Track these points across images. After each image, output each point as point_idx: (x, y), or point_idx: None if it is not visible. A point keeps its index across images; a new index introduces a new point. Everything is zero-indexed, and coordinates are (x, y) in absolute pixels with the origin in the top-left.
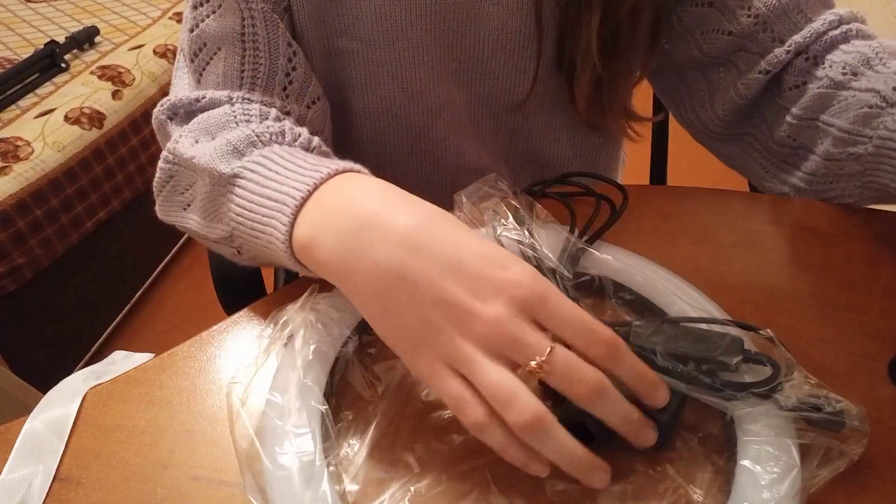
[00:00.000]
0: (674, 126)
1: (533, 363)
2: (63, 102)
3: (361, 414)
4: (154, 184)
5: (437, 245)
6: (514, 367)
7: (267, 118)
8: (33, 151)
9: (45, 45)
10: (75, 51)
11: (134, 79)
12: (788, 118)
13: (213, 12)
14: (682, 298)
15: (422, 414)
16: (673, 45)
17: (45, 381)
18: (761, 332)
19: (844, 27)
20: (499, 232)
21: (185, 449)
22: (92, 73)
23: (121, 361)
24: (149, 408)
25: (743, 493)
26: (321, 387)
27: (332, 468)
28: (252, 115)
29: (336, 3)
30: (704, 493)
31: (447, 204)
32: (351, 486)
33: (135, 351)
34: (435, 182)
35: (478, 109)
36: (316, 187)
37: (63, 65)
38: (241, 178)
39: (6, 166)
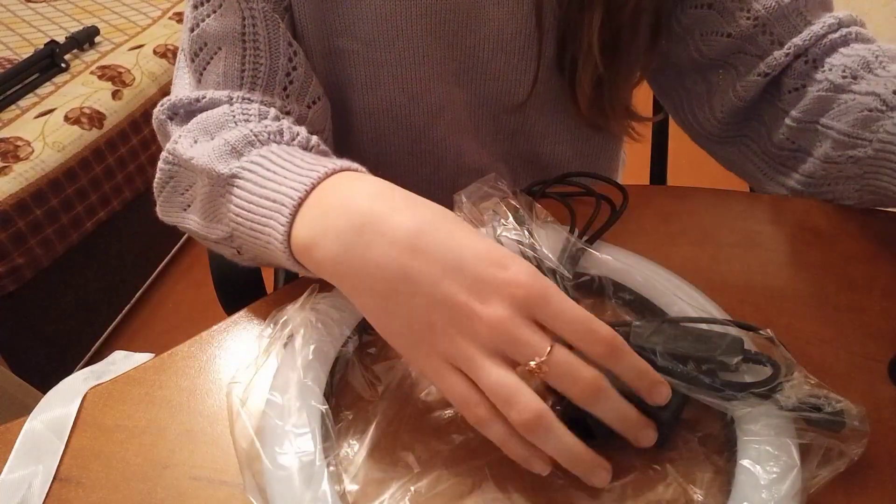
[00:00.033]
0: (674, 126)
1: (532, 363)
2: (63, 102)
3: (361, 414)
4: (154, 184)
5: (438, 246)
6: (514, 365)
7: (266, 117)
8: (33, 151)
9: (45, 45)
10: (75, 51)
11: (134, 79)
12: (787, 121)
13: (214, 12)
14: (682, 298)
15: (422, 414)
16: (672, 46)
17: (45, 381)
18: (761, 332)
19: (844, 30)
20: (499, 232)
21: (185, 449)
22: (92, 73)
23: (121, 361)
24: (149, 408)
25: (743, 493)
26: (321, 387)
27: (332, 468)
28: (251, 115)
29: (336, 3)
30: (704, 493)
31: (447, 204)
32: (351, 486)
33: (135, 351)
34: (435, 182)
35: (478, 110)
36: (314, 187)
37: (63, 65)
38: (240, 178)
39: (6, 166)
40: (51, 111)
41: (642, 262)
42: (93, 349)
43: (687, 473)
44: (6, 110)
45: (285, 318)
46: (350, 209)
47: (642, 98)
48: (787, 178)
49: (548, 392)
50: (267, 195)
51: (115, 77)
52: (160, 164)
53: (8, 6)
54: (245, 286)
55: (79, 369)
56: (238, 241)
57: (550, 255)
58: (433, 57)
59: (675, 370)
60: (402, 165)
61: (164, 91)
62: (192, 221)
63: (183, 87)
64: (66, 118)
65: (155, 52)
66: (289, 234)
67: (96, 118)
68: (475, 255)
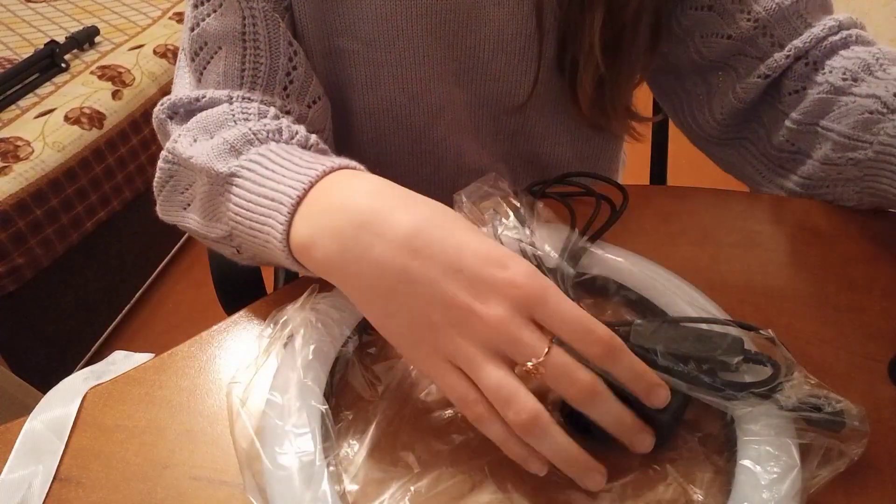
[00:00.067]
0: (674, 126)
1: (529, 364)
2: (63, 102)
3: (361, 414)
4: (154, 183)
5: (437, 245)
6: (513, 364)
7: (265, 116)
8: (33, 151)
9: (45, 45)
10: (75, 51)
11: (134, 79)
12: (787, 123)
13: (214, 11)
14: (682, 298)
15: (422, 414)
16: (672, 48)
17: (45, 381)
18: (761, 332)
19: (844, 33)
20: (499, 231)
21: (185, 449)
22: (92, 73)
23: (121, 361)
24: (149, 408)
25: (743, 493)
26: (321, 387)
27: (332, 468)
28: (250, 114)
29: (337, 3)
30: (704, 493)
31: (447, 204)
32: (351, 486)
33: (135, 351)
34: (435, 182)
35: (478, 110)
36: (312, 185)
37: (63, 65)
38: (238, 176)
39: (6, 166)
40: (51, 111)
41: (642, 262)
42: (93, 349)
43: (687, 473)
44: (6, 110)
45: (285, 318)
46: (349, 208)
47: (643, 99)
48: (786, 179)
49: (550, 391)
50: (265, 194)
51: (115, 77)
52: (160, 164)
53: (8, 6)
54: (245, 286)
55: (79, 369)
56: (237, 239)
57: (552, 253)
58: (433, 57)
59: (676, 370)
60: (402, 165)
61: (164, 91)
62: (191, 220)
63: (183, 87)
64: (66, 118)
65: (155, 52)
66: (287, 233)
67: (96, 118)
68: (475, 254)
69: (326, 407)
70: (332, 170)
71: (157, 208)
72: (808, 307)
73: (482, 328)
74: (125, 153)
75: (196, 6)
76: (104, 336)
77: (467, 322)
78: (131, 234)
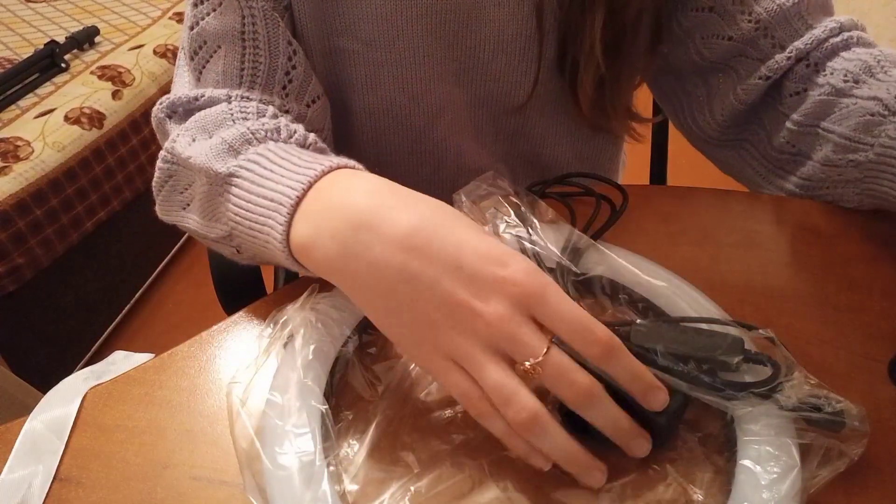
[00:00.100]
0: (674, 126)
1: (527, 364)
2: (63, 102)
3: (361, 414)
4: (153, 183)
5: (437, 244)
6: (513, 362)
7: (264, 115)
8: (33, 151)
9: (45, 45)
10: (75, 51)
11: (134, 79)
12: (788, 124)
13: (214, 10)
14: (682, 298)
15: (422, 414)
16: (672, 49)
17: (45, 381)
18: (761, 331)
19: (845, 34)
20: (500, 230)
21: (185, 449)
22: (92, 73)
23: (121, 361)
24: (149, 408)
25: (743, 492)
26: (321, 387)
27: (332, 468)
28: (249, 113)
29: (337, 3)
30: (704, 493)
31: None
32: (351, 486)
33: (135, 351)
34: (435, 182)
35: (478, 111)
36: (311, 185)
37: (63, 65)
38: (237, 176)
39: (6, 166)
40: (51, 111)
41: (642, 261)
42: (93, 349)
43: (687, 473)
44: (6, 110)
45: (285, 318)
46: (348, 208)
47: (643, 99)
48: (786, 181)
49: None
50: (264, 194)
51: (115, 77)
52: (159, 164)
53: (8, 6)
54: (245, 286)
55: (79, 369)
56: (237, 240)
57: (554, 250)
58: (433, 57)
59: (676, 370)
60: (402, 165)
61: (164, 91)
62: (191, 220)
63: (182, 86)
64: (66, 118)
65: (155, 52)
66: (287, 233)
67: (96, 118)
68: (475, 252)
69: (326, 407)
70: (331, 169)
71: (157, 208)
72: (808, 307)
73: (482, 326)
74: (125, 153)
75: (195, 5)
76: (104, 336)
77: (468, 320)
78: (131, 234)
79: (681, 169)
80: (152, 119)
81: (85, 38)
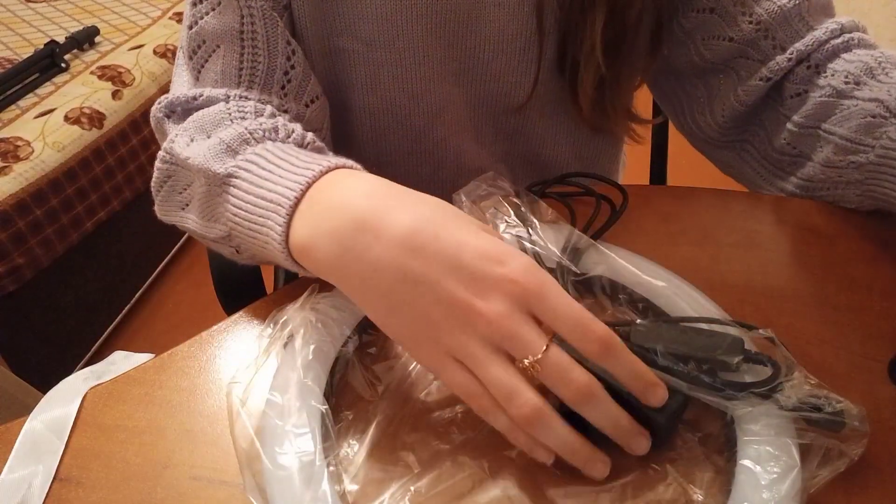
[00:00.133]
0: (674, 127)
1: (526, 361)
2: (63, 102)
3: (361, 414)
4: (152, 184)
5: (436, 244)
6: (514, 359)
7: (262, 115)
8: (33, 151)
9: (45, 45)
10: (75, 51)
11: (134, 79)
12: (789, 126)
13: (213, 9)
14: (682, 298)
15: (422, 414)
16: (673, 50)
17: (45, 381)
18: (761, 331)
19: (846, 36)
20: (501, 230)
21: (185, 449)
22: (92, 73)
23: (121, 361)
24: (149, 408)
25: (743, 492)
26: (321, 387)
27: (332, 468)
28: (247, 112)
29: (336, 3)
30: (704, 493)
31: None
32: (351, 486)
33: (135, 351)
34: (435, 182)
35: (478, 111)
36: (309, 185)
37: (63, 65)
38: (235, 177)
39: (6, 166)
40: (51, 111)
41: (642, 262)
42: (93, 349)
43: (687, 473)
44: (6, 110)
45: (285, 318)
46: (346, 209)
47: (643, 100)
48: (786, 182)
49: None
50: (263, 195)
51: (115, 77)
52: (157, 164)
53: (8, 6)
54: (245, 286)
55: (79, 369)
56: (236, 240)
57: (555, 250)
58: (433, 57)
59: (676, 370)
60: (402, 165)
61: (164, 91)
62: (190, 220)
63: (181, 85)
64: (66, 118)
65: (155, 52)
66: (286, 234)
67: (96, 118)
68: (474, 251)
69: (326, 407)
70: (329, 169)
71: (156, 208)
72: (808, 307)
73: (482, 324)
74: (125, 153)
75: (194, 4)
76: (104, 336)
77: (468, 319)
78: (131, 234)
79: (681, 169)
80: (151, 119)
81: (85, 38)
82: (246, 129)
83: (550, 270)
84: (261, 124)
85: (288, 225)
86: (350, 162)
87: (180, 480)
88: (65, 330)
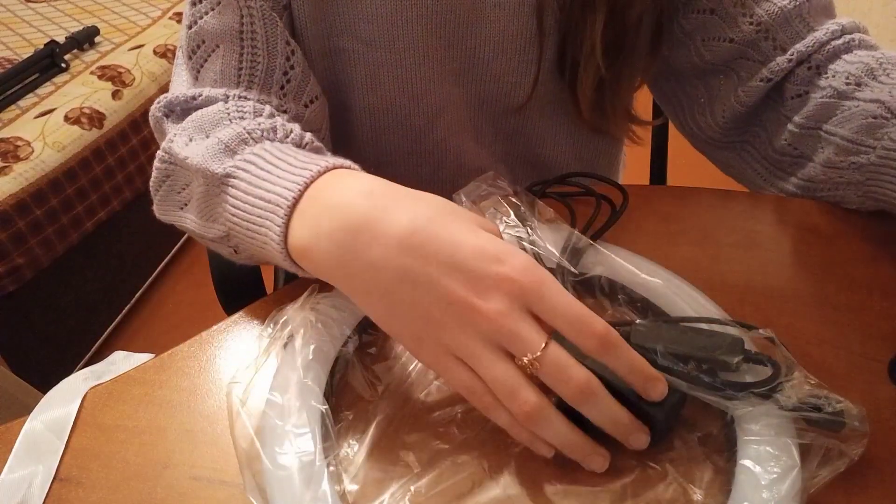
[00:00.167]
0: (674, 127)
1: (525, 359)
2: (63, 102)
3: (361, 414)
4: (151, 183)
5: (434, 243)
6: (514, 357)
7: (260, 115)
8: (33, 151)
9: (45, 45)
10: (75, 51)
11: (134, 79)
12: (790, 126)
13: (212, 9)
14: (682, 298)
15: (422, 414)
16: (673, 51)
17: (45, 381)
18: (761, 331)
19: (847, 37)
20: (501, 230)
21: (185, 449)
22: (92, 73)
23: (121, 361)
24: (149, 408)
25: (743, 492)
26: (321, 387)
27: (332, 468)
28: (245, 112)
29: (336, 3)
30: (704, 493)
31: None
32: (351, 486)
33: (135, 351)
34: (435, 182)
35: (478, 111)
36: (307, 186)
37: (63, 65)
38: (234, 177)
39: (6, 166)
40: (51, 111)
41: (642, 262)
42: (93, 349)
43: (687, 473)
44: (6, 110)
45: (285, 318)
46: (345, 209)
47: (643, 101)
48: (786, 182)
49: None
50: (261, 195)
51: (115, 77)
52: (156, 164)
53: (8, 6)
54: (245, 286)
55: (79, 369)
56: (234, 240)
57: (554, 251)
58: (433, 57)
59: (676, 370)
60: (401, 165)
61: (164, 91)
62: (188, 220)
63: (180, 84)
64: (66, 118)
65: (155, 52)
66: (285, 235)
67: (96, 118)
68: (472, 250)
69: (326, 407)
70: (327, 169)
71: (154, 208)
72: (808, 307)
73: (482, 322)
74: (125, 153)
75: (194, 3)
76: (104, 336)
77: (467, 317)
78: (131, 234)
79: (681, 169)
80: (150, 118)
81: (85, 38)
82: (244, 129)
83: (550, 271)
84: (259, 124)
85: (286, 226)
86: (348, 162)
87: (180, 480)
88: (65, 330)
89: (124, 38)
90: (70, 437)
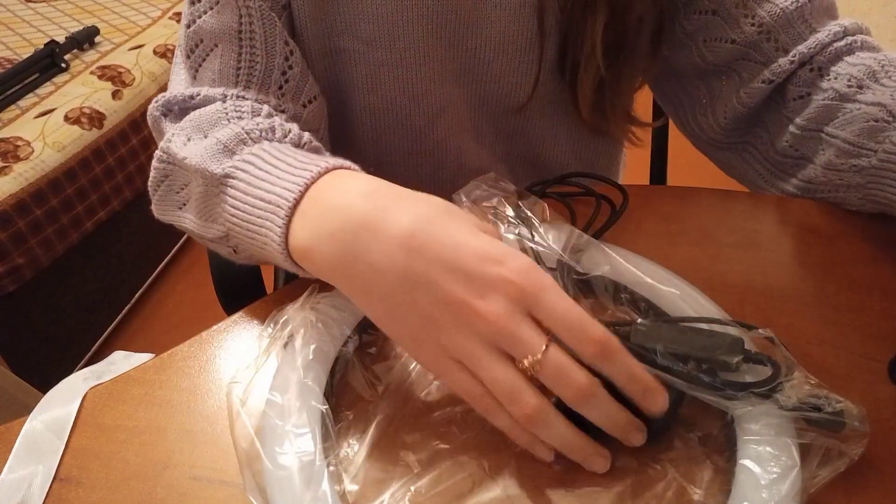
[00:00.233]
0: (674, 126)
1: (526, 361)
2: (63, 102)
3: (361, 414)
4: (149, 183)
5: (434, 245)
6: (514, 359)
7: (259, 115)
8: (33, 151)
9: (45, 45)
10: (75, 51)
11: (134, 79)
12: (791, 128)
13: (211, 9)
14: (682, 298)
15: (422, 414)
16: (675, 52)
17: (45, 381)
18: (761, 331)
19: (849, 39)
20: (501, 230)
21: (185, 449)
22: (92, 73)
23: (121, 361)
24: (149, 408)
25: (743, 492)
26: (321, 387)
27: (332, 468)
28: (244, 112)
29: (337, 2)
30: (704, 493)
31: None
32: (351, 486)
33: (135, 351)
34: (435, 182)
35: (478, 111)
36: (308, 187)
37: (63, 65)
38: (233, 177)
39: (6, 166)
40: (51, 111)
41: (642, 262)
42: (93, 349)
43: (687, 473)
44: (6, 110)
45: (285, 317)
46: (346, 210)
47: (643, 102)
48: (788, 184)
49: None
50: (261, 196)
51: (115, 77)
52: (154, 163)
53: (8, 6)
54: (245, 286)
55: (79, 369)
56: (234, 240)
57: (556, 249)
58: (434, 57)
59: (676, 369)
60: (402, 165)
61: (164, 91)
62: (187, 220)
63: (178, 84)
64: (66, 118)
65: (155, 52)
66: (285, 236)
67: (96, 118)
68: (472, 252)
69: (326, 407)
70: (328, 170)
71: (153, 207)
72: (808, 307)
73: (482, 324)
74: (125, 153)
75: (193, 3)
76: (104, 336)
77: (467, 319)
78: (131, 234)
79: (681, 169)
80: (148, 117)
81: (85, 38)
82: (243, 128)
83: (551, 270)
84: (257, 124)
85: (287, 226)
86: (348, 163)
87: (180, 480)
88: (65, 330)
89: (124, 38)
90: (70, 437)
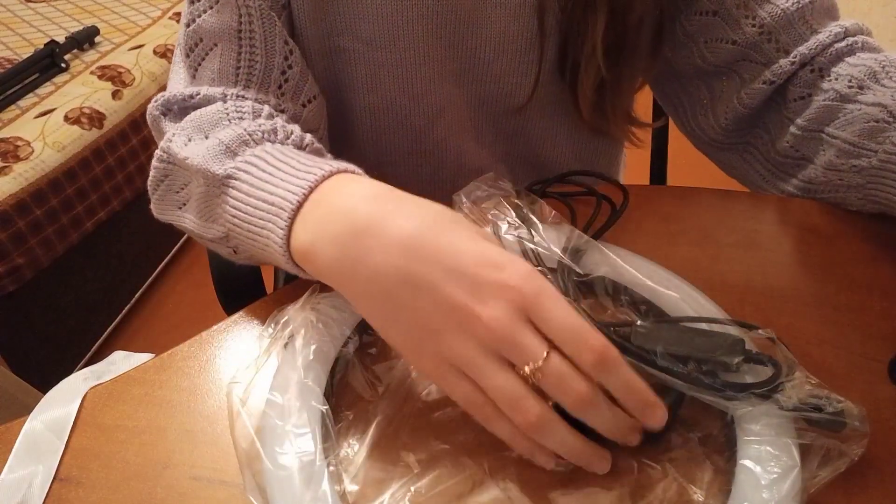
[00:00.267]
0: (674, 126)
1: (527, 368)
2: (63, 102)
3: (361, 414)
4: (149, 183)
5: (436, 249)
6: (514, 366)
7: (260, 115)
8: (33, 151)
9: (45, 45)
10: (75, 51)
11: (134, 79)
12: (792, 129)
13: (211, 8)
14: (682, 298)
15: (422, 414)
16: (676, 52)
17: (45, 381)
18: (762, 331)
19: (850, 40)
20: (501, 230)
21: (185, 449)
22: (92, 73)
23: (121, 361)
24: (149, 408)
25: (743, 492)
26: (321, 387)
27: (332, 468)
28: (245, 113)
29: (337, 2)
30: (704, 493)
31: (447, 204)
32: (351, 486)
33: (135, 351)
34: (436, 182)
35: (479, 111)
36: (311, 190)
37: (63, 65)
38: (235, 178)
39: (6, 166)
40: (51, 111)
41: (643, 262)
42: (93, 349)
43: (687, 473)
44: (6, 110)
45: (286, 318)
46: (348, 214)
47: (643, 103)
48: (788, 184)
49: None
50: (263, 197)
51: (115, 77)
52: (154, 163)
53: (8, 6)
54: (245, 286)
55: (79, 369)
56: (234, 241)
57: (556, 250)
58: (434, 57)
59: (676, 370)
60: (402, 165)
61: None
62: (187, 220)
63: (178, 83)
64: (66, 118)
65: (155, 52)
66: (287, 238)
67: (96, 118)
68: (473, 257)
69: (327, 407)
70: (331, 174)
71: (152, 207)
72: (808, 307)
73: (482, 330)
74: (125, 153)
75: (192, 1)
76: (104, 336)
77: (468, 324)
78: (131, 234)
79: (681, 169)
80: (147, 116)
81: (85, 38)
82: (245, 130)
83: (551, 271)
84: (259, 125)
85: (289, 229)
86: (351, 166)
87: (180, 480)
88: (65, 330)
89: (124, 38)
90: (70, 437)
